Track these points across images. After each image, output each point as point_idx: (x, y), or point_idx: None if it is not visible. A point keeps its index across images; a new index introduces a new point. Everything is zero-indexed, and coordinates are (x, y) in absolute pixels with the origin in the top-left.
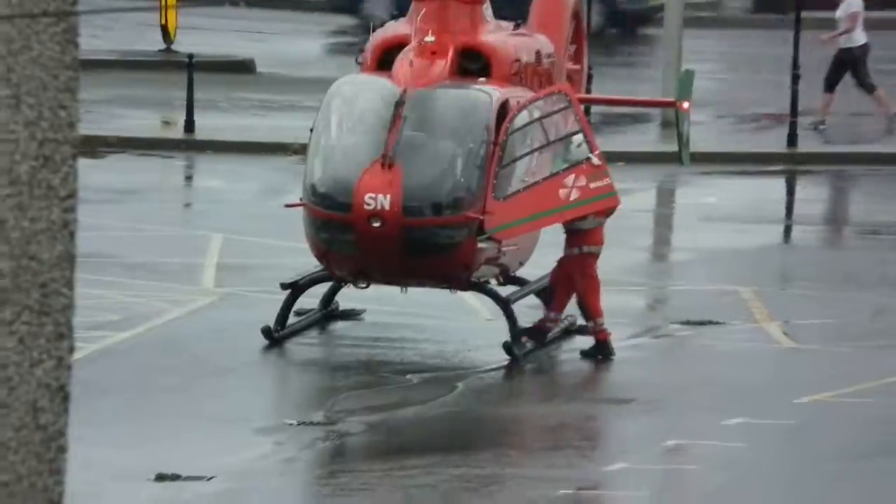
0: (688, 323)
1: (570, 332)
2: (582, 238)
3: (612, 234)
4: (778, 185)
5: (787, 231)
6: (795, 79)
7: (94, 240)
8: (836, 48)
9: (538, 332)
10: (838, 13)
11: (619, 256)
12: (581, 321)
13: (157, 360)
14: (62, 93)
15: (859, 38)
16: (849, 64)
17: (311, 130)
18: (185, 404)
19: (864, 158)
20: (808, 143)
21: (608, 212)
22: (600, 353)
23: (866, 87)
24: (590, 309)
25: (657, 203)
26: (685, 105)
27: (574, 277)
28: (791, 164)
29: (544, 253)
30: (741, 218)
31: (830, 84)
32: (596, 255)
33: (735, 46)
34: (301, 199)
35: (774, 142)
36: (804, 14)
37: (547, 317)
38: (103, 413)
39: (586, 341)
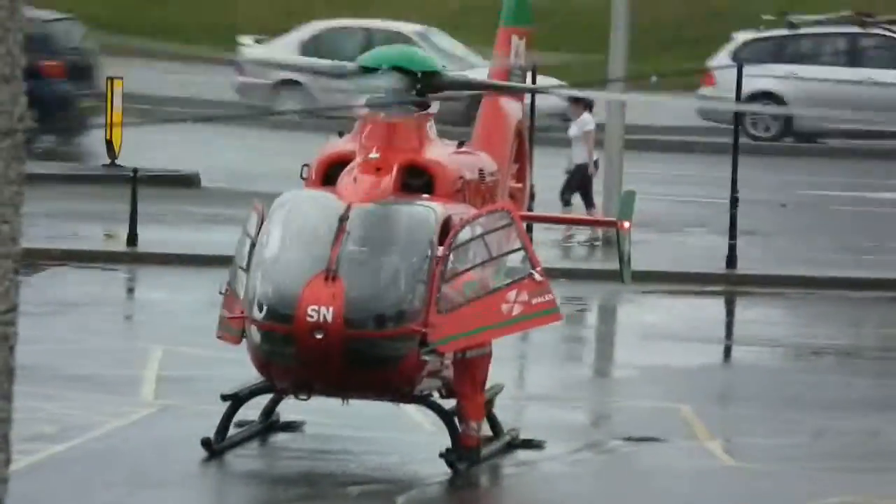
0: (629, 439)
1: (513, 446)
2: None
3: (555, 349)
4: (717, 306)
5: (727, 351)
6: (734, 201)
7: (32, 353)
8: (572, 164)
9: (470, 450)
10: (572, 131)
11: (560, 371)
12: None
13: (95, 472)
14: (5, 207)
15: (591, 155)
16: (577, 177)
17: (254, 244)
18: None
19: (800, 282)
20: (746, 265)
21: None
22: (468, 458)
23: (586, 201)
24: (468, 412)
25: (598, 320)
26: (626, 225)
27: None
28: (729, 285)
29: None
30: (681, 337)
31: (586, 200)
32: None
33: (675, 169)
34: (241, 312)
35: (713, 262)
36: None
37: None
38: None
39: (529, 455)
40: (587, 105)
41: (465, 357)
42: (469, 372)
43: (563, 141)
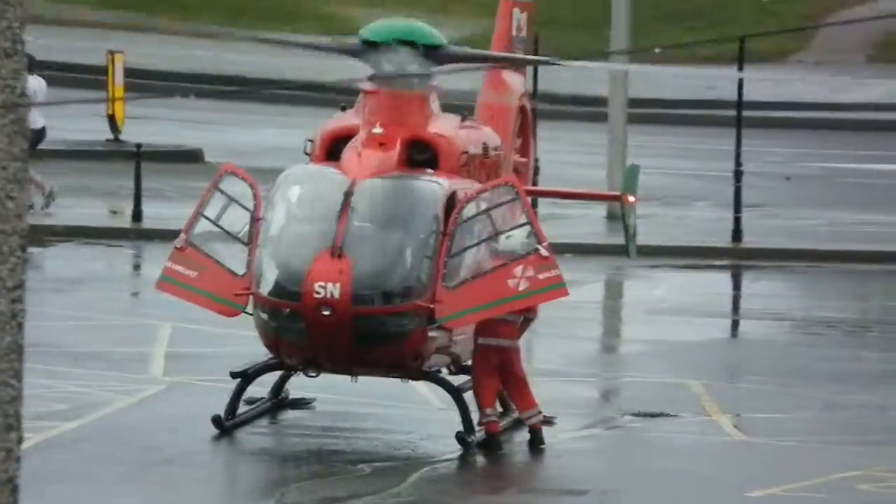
0: (639, 415)
1: (520, 421)
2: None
3: (561, 325)
4: (724, 280)
5: (735, 325)
6: (738, 174)
7: (40, 329)
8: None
9: (491, 437)
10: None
11: (568, 347)
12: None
13: (105, 449)
14: (10, 184)
15: (38, 121)
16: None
17: (258, 220)
18: (134, 494)
19: (806, 255)
20: (752, 239)
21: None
22: (490, 445)
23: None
24: (481, 399)
25: (605, 295)
26: (631, 199)
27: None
28: (736, 259)
29: None
30: (688, 311)
31: None
32: (500, 349)
33: (679, 142)
34: (249, 289)
35: (720, 236)
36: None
37: (484, 414)
38: None
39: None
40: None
41: (481, 343)
42: (482, 358)
43: (568, 115)
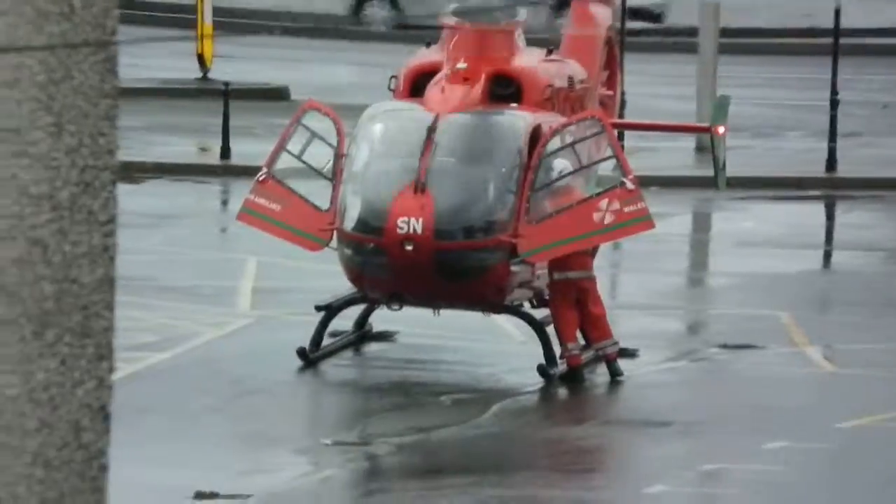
0: (726, 347)
1: (601, 357)
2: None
3: (648, 258)
4: (816, 210)
5: (826, 256)
6: (834, 103)
7: (131, 263)
8: None
9: (573, 370)
10: None
11: (655, 280)
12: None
13: (195, 380)
14: (102, 120)
15: None
16: None
17: (342, 156)
18: (222, 424)
19: None
20: (846, 168)
21: None
22: (572, 378)
23: None
24: (562, 335)
25: (693, 228)
26: (721, 130)
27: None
28: (829, 189)
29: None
30: (779, 243)
31: None
32: (576, 281)
33: (772, 72)
34: (334, 224)
35: (812, 166)
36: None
37: (566, 349)
38: (143, 432)
39: (624, 364)
40: None
41: (557, 279)
42: (558, 293)
43: (657, 46)
